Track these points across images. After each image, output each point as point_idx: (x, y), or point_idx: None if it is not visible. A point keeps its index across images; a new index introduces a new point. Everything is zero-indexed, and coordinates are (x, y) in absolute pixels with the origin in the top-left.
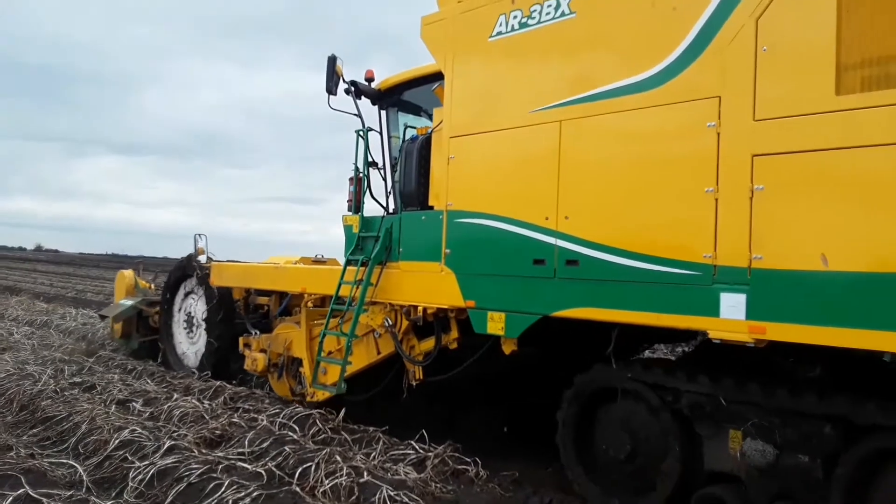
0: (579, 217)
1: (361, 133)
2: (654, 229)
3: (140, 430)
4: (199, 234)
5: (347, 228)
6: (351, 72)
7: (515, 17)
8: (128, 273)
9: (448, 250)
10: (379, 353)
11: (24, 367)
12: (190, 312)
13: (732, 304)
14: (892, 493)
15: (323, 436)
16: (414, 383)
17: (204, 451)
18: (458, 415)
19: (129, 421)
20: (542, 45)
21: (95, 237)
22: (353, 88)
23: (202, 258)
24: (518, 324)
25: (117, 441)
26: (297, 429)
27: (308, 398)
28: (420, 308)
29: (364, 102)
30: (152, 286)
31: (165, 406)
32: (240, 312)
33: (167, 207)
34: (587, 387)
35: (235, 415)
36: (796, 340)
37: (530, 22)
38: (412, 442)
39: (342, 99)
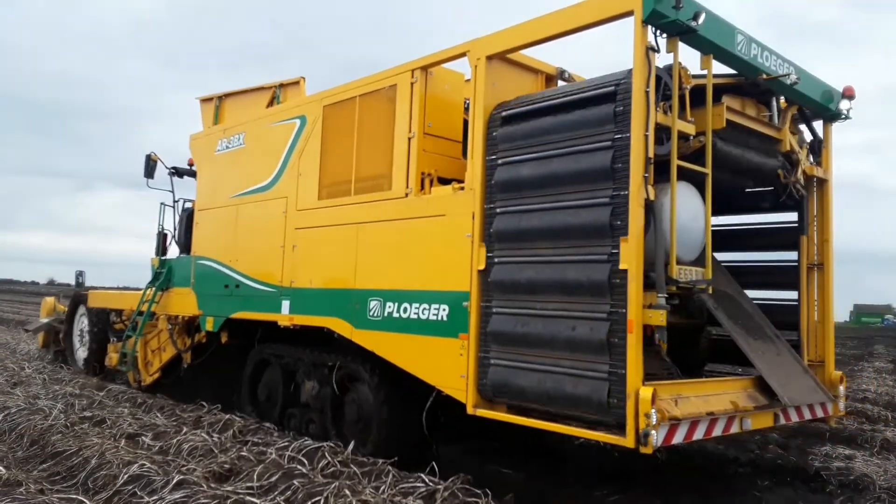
0: (242, 260)
1: (169, 204)
2: (265, 265)
3: (149, 465)
4: (80, 271)
5: (153, 266)
6: None
7: (225, 141)
8: (50, 299)
9: (193, 280)
10: (177, 348)
11: (34, 401)
12: (81, 328)
13: (286, 306)
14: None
15: (332, 469)
16: (185, 366)
17: (213, 485)
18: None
19: (139, 455)
20: (233, 159)
21: (107, 270)
22: (174, 171)
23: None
24: (218, 323)
25: (126, 476)
26: (305, 462)
27: (143, 383)
28: (180, 316)
29: (182, 181)
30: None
31: (174, 440)
32: (109, 326)
33: None
34: (253, 358)
35: (244, 448)
36: (302, 323)
37: (230, 145)
38: (422, 475)
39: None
